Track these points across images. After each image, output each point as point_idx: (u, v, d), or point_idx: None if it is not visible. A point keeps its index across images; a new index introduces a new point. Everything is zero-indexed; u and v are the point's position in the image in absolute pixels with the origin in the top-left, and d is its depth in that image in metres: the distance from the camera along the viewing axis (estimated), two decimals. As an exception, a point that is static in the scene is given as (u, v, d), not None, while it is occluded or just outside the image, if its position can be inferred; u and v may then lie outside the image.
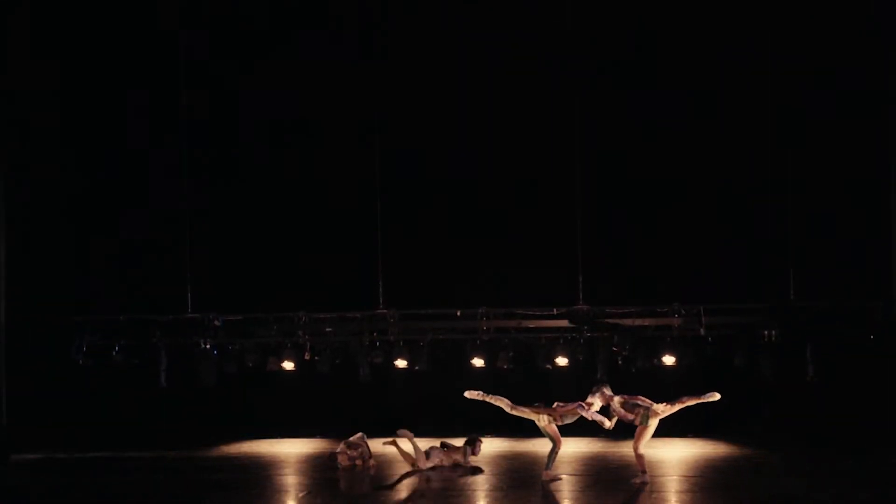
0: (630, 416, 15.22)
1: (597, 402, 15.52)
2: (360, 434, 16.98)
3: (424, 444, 16.77)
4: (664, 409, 15.14)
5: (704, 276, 18.98)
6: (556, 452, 15.55)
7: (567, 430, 16.92)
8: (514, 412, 15.60)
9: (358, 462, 16.72)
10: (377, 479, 16.08)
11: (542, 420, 15.50)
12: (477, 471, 16.39)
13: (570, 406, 15.56)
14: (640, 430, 15.27)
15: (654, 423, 15.22)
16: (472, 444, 16.68)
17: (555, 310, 19.15)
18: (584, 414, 15.58)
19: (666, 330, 18.92)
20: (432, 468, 16.45)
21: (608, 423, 15.39)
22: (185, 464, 17.52)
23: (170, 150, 19.74)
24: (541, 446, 15.76)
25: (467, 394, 15.70)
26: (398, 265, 19.54)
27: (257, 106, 19.88)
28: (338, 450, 16.80)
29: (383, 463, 16.88)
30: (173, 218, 19.73)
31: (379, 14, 19.56)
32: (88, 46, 19.61)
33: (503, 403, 15.61)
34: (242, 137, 19.94)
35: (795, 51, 18.79)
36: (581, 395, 15.75)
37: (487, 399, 15.65)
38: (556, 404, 15.52)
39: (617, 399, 15.29)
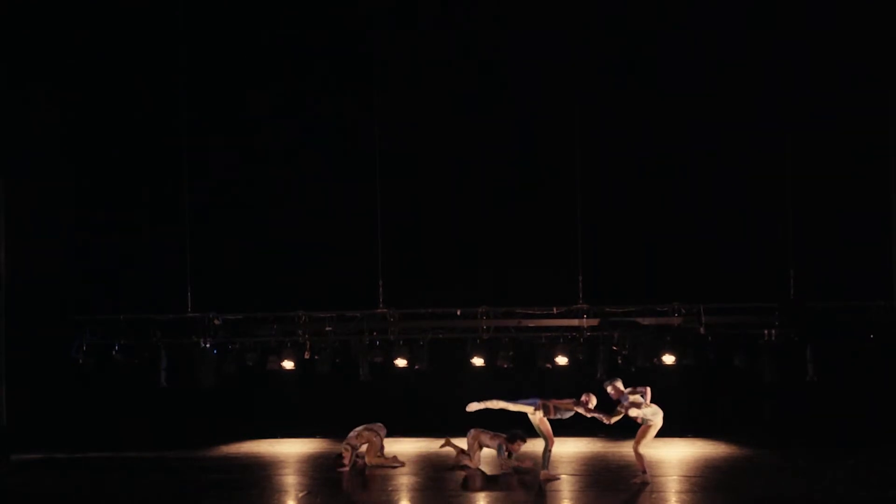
0: (633, 412, 15.28)
1: (593, 399, 15.61)
2: (359, 429, 16.94)
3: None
4: (641, 399, 15.21)
5: (704, 276, 18.96)
6: (550, 451, 15.64)
7: (567, 431, 16.98)
8: (510, 408, 15.70)
9: (358, 461, 16.73)
10: (375, 479, 16.09)
11: (537, 415, 15.60)
12: (478, 471, 16.38)
13: (567, 401, 15.65)
14: (641, 429, 15.29)
15: (655, 422, 15.23)
16: (513, 441, 16.41)
17: (555, 309, 19.15)
18: (580, 411, 15.64)
19: (666, 329, 18.92)
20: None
21: (607, 419, 15.42)
22: (185, 464, 17.53)
23: (171, 150, 19.73)
24: (540, 445, 15.78)
25: (469, 408, 15.86)
26: (398, 265, 19.54)
27: (258, 104, 19.88)
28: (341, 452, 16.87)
29: (383, 461, 16.88)
30: (173, 218, 19.72)
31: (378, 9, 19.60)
32: (86, 46, 19.61)
33: (501, 404, 15.70)
34: (244, 136, 19.92)
35: (795, 50, 18.78)
36: (580, 395, 15.84)
37: (487, 405, 15.75)
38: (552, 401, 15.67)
39: (627, 391, 15.33)
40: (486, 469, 16.42)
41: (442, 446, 17.00)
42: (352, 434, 16.84)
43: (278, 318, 19.56)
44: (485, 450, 16.53)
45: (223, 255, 19.71)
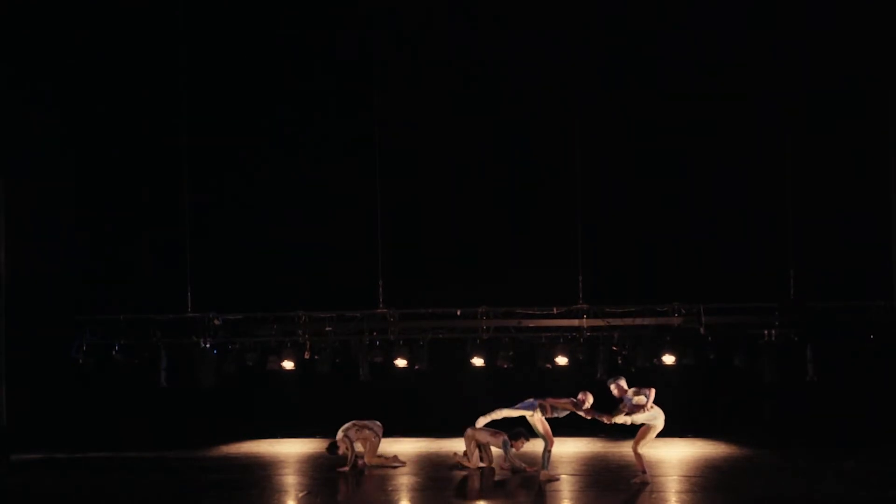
0: (619, 419, 15.26)
1: (589, 398, 15.63)
2: (357, 423, 16.91)
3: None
4: (644, 400, 15.19)
5: (704, 276, 18.96)
6: (550, 451, 15.67)
7: (567, 431, 16.97)
8: (513, 414, 15.74)
9: (358, 461, 16.71)
10: (375, 479, 16.09)
11: (536, 416, 15.65)
12: (477, 471, 16.38)
13: (563, 401, 15.68)
14: (642, 430, 15.29)
15: (656, 425, 15.21)
16: (516, 439, 16.43)
17: (555, 309, 19.14)
18: (580, 413, 15.65)
19: (666, 329, 18.92)
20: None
21: (608, 419, 15.40)
22: (185, 464, 17.53)
23: (171, 150, 19.74)
24: (540, 446, 15.79)
25: (478, 424, 15.97)
26: (398, 265, 19.54)
27: (258, 104, 19.88)
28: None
29: (384, 461, 16.87)
30: (173, 218, 19.72)
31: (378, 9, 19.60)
32: (86, 46, 19.61)
33: (504, 413, 15.74)
34: (244, 137, 19.91)
35: (795, 50, 18.78)
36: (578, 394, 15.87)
37: (492, 417, 15.82)
38: (548, 399, 15.71)
39: (631, 391, 15.31)
40: (498, 468, 16.42)
41: (454, 456, 16.97)
42: (350, 427, 16.76)
43: (278, 318, 19.56)
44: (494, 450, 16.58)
45: (223, 255, 19.70)
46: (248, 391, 19.84)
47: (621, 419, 15.27)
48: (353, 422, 16.87)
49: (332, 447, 16.65)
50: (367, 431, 16.81)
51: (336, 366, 19.41)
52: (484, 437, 16.41)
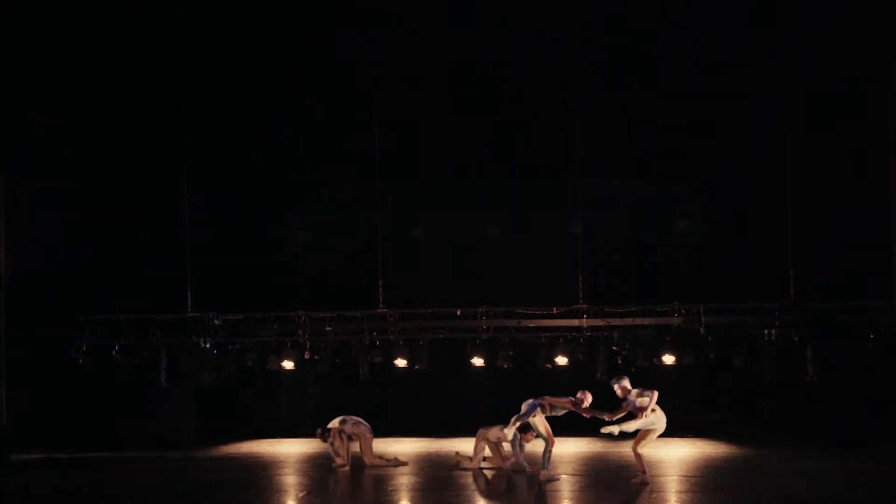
0: (640, 412, 15.23)
1: (588, 398, 15.62)
2: (351, 418, 16.93)
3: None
4: (647, 402, 15.18)
5: (704, 276, 18.97)
6: (550, 451, 15.69)
7: (567, 430, 16.97)
8: (525, 420, 15.78)
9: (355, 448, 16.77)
10: (375, 479, 16.10)
11: (535, 417, 15.67)
12: (479, 471, 16.39)
13: (563, 400, 15.70)
14: (643, 430, 15.28)
15: (658, 427, 15.21)
16: (524, 432, 16.39)
17: (555, 309, 19.15)
18: (583, 414, 15.66)
19: (666, 329, 18.92)
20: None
21: (609, 418, 15.38)
22: (185, 464, 17.53)
23: (170, 149, 19.74)
24: (540, 446, 15.81)
25: (508, 435, 16.03)
26: (398, 265, 19.55)
27: (258, 103, 19.89)
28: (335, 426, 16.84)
29: (384, 462, 16.88)
30: (173, 218, 19.72)
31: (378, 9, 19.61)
32: (86, 46, 19.61)
33: (517, 424, 15.78)
34: (244, 137, 19.92)
35: (795, 52, 18.78)
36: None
37: (514, 428, 15.91)
38: (546, 398, 15.73)
39: (634, 392, 15.31)
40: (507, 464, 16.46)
41: (455, 456, 16.99)
42: (347, 420, 16.80)
43: (278, 318, 19.56)
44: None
45: (223, 255, 19.69)
46: (248, 391, 19.83)
47: (610, 429, 15.23)
48: (348, 416, 16.91)
49: (326, 433, 16.70)
50: (363, 427, 16.85)
51: (336, 366, 19.41)
52: (495, 434, 16.43)
